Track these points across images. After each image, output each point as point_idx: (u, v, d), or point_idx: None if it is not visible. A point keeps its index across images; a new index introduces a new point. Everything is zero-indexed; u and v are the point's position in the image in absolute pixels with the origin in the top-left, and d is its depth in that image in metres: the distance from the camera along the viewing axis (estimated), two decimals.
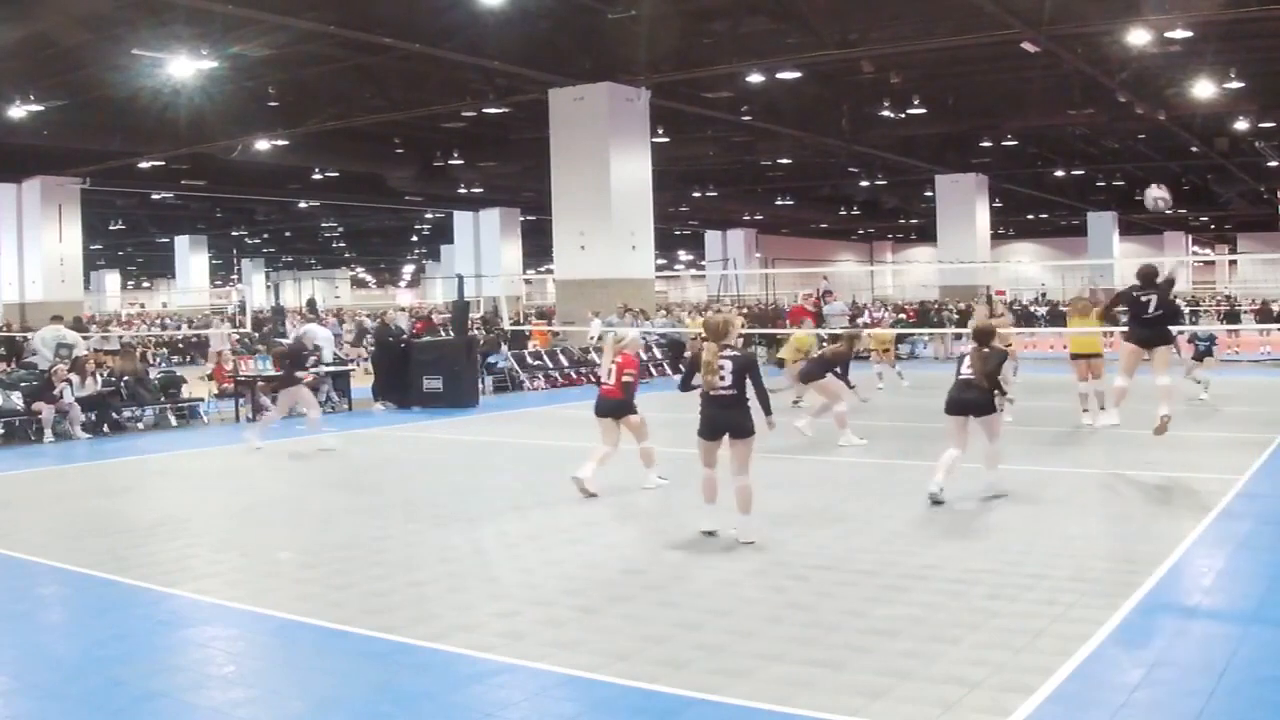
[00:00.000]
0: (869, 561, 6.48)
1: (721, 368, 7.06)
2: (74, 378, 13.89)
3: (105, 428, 14.18)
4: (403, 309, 37.94)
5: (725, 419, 7.09)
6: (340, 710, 4.41)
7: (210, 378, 16.58)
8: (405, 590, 6.09)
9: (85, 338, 21.58)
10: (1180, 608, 5.53)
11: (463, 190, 37.86)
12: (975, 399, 8.23)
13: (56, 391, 13.56)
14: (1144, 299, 9.49)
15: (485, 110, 25.53)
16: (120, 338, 23.91)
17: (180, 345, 31.18)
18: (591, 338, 21.88)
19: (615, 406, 8.95)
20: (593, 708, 4.38)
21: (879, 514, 7.91)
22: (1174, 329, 9.98)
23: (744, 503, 7.09)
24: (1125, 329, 10.14)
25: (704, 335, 7.32)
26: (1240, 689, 4.40)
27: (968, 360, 8.36)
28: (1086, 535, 7.02)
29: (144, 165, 30.34)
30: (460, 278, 19.27)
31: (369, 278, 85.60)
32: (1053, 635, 5.02)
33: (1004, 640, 4.97)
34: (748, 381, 7.17)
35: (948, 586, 5.88)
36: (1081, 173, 39.84)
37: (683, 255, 67.70)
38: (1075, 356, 12.65)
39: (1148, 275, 9.62)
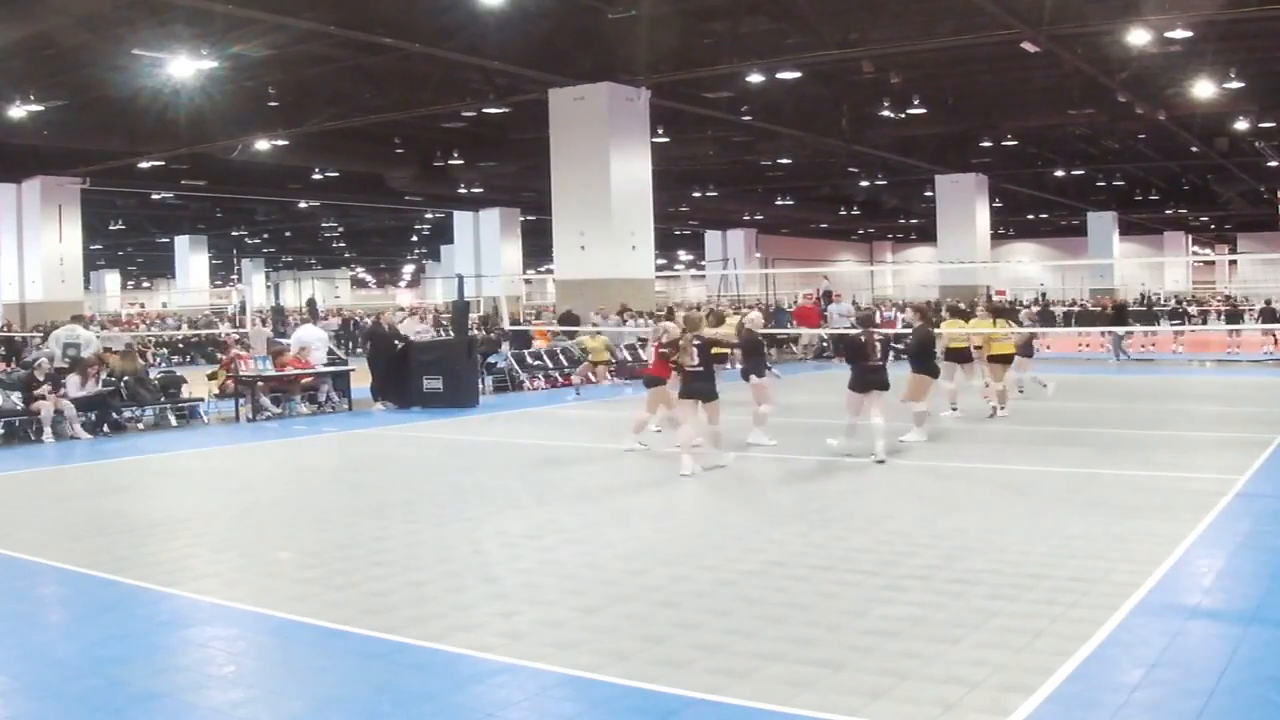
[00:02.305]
0: (869, 561, 6.47)
1: (691, 352, 9.66)
2: (74, 378, 13.86)
3: (105, 428, 14.16)
4: (402, 309, 37.93)
5: (698, 388, 9.74)
6: (340, 710, 4.40)
7: (211, 377, 16.54)
8: (405, 590, 6.08)
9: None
10: (1180, 608, 5.52)
11: (463, 190, 37.87)
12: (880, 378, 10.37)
13: (39, 391, 13.45)
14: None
15: (485, 110, 25.55)
16: (134, 338, 23.85)
17: (181, 345, 31.18)
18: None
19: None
20: (593, 708, 4.37)
21: (879, 514, 7.91)
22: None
23: (717, 441, 10.04)
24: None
25: (684, 327, 10.07)
26: (1240, 689, 4.40)
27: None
28: (1086, 535, 7.00)
29: (144, 165, 30.36)
30: (460, 278, 19.27)
31: (369, 278, 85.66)
32: (1053, 635, 5.01)
33: (1004, 640, 4.96)
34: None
35: (948, 586, 5.88)
36: (1081, 173, 39.87)
37: (683, 255, 67.72)
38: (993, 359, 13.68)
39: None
